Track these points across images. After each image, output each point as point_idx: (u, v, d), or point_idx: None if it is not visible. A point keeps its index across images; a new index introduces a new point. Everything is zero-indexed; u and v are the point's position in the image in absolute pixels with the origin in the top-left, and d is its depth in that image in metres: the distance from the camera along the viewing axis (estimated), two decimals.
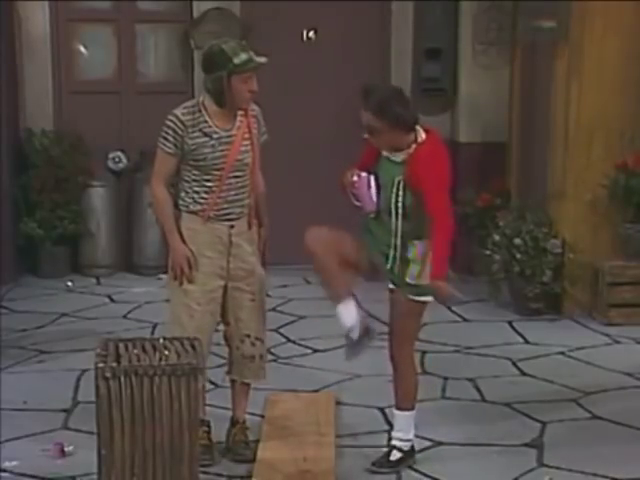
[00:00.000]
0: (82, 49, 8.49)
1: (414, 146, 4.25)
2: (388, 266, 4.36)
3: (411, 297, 4.38)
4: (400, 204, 4.24)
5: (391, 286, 4.45)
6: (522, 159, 7.89)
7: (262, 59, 4.34)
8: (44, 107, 8.29)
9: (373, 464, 4.50)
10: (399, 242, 4.30)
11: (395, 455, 4.51)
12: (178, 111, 4.36)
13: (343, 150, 8.50)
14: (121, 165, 8.36)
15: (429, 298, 4.41)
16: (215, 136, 4.35)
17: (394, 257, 4.32)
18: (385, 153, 4.31)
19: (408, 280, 4.35)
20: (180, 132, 4.31)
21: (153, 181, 4.44)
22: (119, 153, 8.34)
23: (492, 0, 8.12)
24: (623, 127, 6.89)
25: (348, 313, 4.32)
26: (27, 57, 8.24)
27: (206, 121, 4.35)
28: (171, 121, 4.34)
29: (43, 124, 8.19)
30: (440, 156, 4.30)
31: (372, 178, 4.29)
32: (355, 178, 4.28)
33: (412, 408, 4.52)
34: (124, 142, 8.35)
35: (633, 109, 6.92)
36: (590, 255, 6.92)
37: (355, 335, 4.33)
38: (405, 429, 4.53)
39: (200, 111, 4.35)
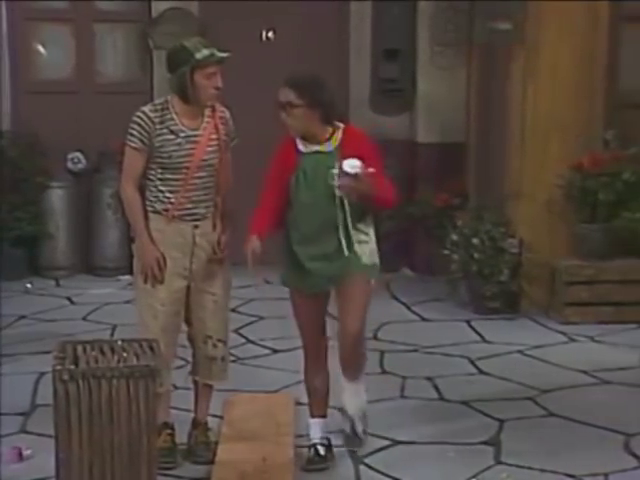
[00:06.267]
0: (40, 49, 8.44)
1: (340, 131, 4.36)
2: (333, 262, 4.34)
3: (369, 278, 4.40)
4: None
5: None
6: (479, 159, 7.96)
7: (224, 54, 4.39)
8: (1, 107, 8.22)
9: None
10: (350, 227, 4.32)
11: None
12: (146, 108, 4.40)
13: None
14: (80, 166, 8.32)
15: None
16: (182, 134, 4.37)
17: (348, 245, 4.32)
18: (312, 147, 4.33)
19: (365, 261, 4.37)
20: (147, 128, 4.33)
21: (122, 181, 4.45)
22: (78, 154, 8.30)
23: (449, 0, 8.18)
24: (578, 128, 6.97)
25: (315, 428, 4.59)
26: None
27: (173, 119, 4.37)
28: (139, 117, 4.36)
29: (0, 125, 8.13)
30: (368, 137, 4.45)
31: None
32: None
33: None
34: (83, 143, 8.31)
35: (588, 110, 7.01)
36: (547, 254, 7.00)
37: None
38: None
39: (168, 109, 4.38)
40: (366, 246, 4.39)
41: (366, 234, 4.39)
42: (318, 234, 4.34)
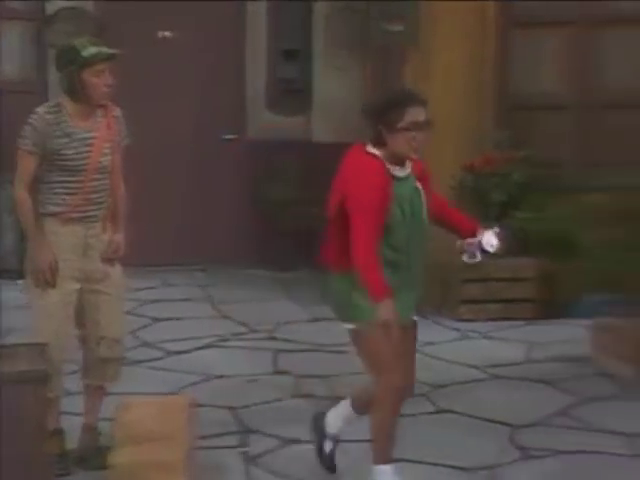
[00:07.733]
0: None
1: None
2: (410, 294, 4.13)
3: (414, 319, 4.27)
4: (425, 214, 4.11)
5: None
6: None
7: (112, 50, 4.36)
8: None
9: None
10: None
11: None
12: (41, 109, 4.36)
13: (199, 151, 8.55)
14: None
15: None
16: (76, 137, 4.34)
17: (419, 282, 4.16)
18: (402, 172, 4.04)
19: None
20: (42, 130, 4.29)
21: (15, 183, 4.39)
22: None
23: (345, 0, 8.25)
24: (471, 130, 7.09)
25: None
26: None
27: (66, 120, 4.34)
28: (34, 119, 4.32)
29: None
30: None
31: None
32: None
33: None
34: None
35: (479, 112, 7.15)
36: (441, 253, 7.09)
37: None
38: None
39: (61, 110, 4.35)
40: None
41: None
42: (406, 267, 4.06)
